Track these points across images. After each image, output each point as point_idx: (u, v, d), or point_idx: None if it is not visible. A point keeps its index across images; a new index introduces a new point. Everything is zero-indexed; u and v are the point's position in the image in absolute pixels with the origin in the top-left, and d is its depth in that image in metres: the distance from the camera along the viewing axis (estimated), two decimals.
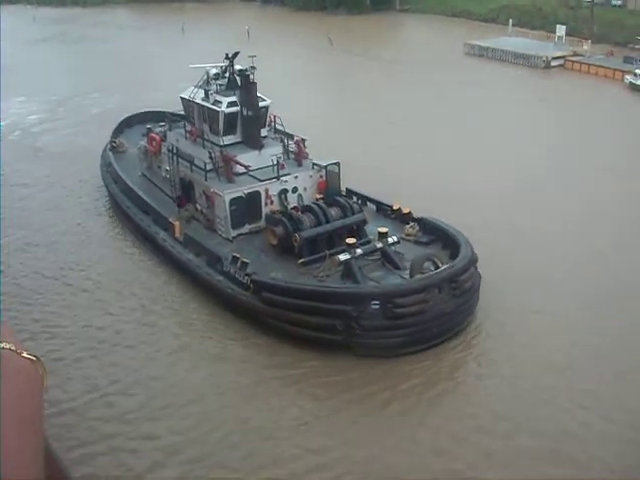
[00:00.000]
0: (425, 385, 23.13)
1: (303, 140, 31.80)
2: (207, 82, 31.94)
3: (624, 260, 31.06)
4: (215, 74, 31.46)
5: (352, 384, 23.04)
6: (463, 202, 35.22)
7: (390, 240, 26.73)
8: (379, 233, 26.83)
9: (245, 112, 30.59)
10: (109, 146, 38.99)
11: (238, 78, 31.37)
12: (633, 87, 63.42)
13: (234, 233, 29.44)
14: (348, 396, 22.53)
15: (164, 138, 34.18)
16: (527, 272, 29.43)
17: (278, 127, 32.78)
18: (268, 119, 32.31)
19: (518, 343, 24.99)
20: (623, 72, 66.65)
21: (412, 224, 29.16)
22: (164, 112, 41.31)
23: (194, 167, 31.11)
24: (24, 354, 2.52)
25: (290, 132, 32.41)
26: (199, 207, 31.03)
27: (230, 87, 31.45)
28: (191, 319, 27.05)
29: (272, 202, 30.06)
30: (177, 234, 29.99)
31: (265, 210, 29.93)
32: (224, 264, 27.03)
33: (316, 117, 48.83)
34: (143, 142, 35.98)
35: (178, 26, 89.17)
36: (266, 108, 31.50)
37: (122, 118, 42.30)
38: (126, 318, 27.13)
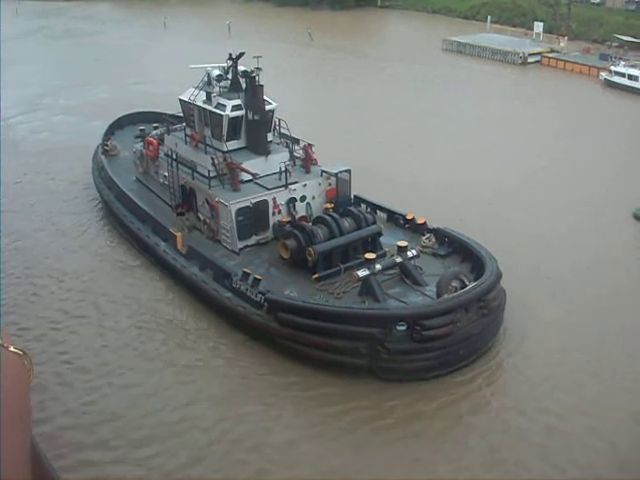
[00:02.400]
0: (457, 410, 21.17)
1: (310, 145, 29.49)
2: (208, 83, 29.45)
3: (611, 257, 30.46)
4: (218, 75, 28.88)
5: (380, 411, 21.03)
6: (444, 197, 34.64)
7: (409, 254, 24.65)
8: (398, 247, 24.69)
9: (251, 116, 28.18)
10: (101, 149, 36.07)
11: (242, 80, 28.98)
12: (608, 83, 62.82)
13: (240, 245, 27.11)
14: (379, 424, 20.46)
15: (161, 142, 31.53)
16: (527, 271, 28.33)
17: (283, 131, 30.35)
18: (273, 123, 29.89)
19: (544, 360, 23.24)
20: (599, 69, 66.13)
21: (428, 235, 27.14)
22: (156, 112, 38.98)
23: (196, 174, 28.64)
24: (11, 348, 2.57)
25: (296, 137, 30.09)
26: (201, 216, 28.58)
27: (234, 89, 28.98)
28: (200, 339, 24.62)
29: (280, 212, 27.81)
30: (179, 246, 27.52)
31: (272, 220, 27.68)
32: (233, 280, 24.67)
33: (295, 114, 46.53)
34: (139, 145, 33.22)
35: (160, 20, 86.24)
36: (272, 112, 29.08)
37: (113, 119, 39.41)
38: (126, 338, 24.66)
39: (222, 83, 29.05)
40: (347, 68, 67.82)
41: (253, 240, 27.43)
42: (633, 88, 60.07)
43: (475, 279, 23.50)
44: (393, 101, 55.42)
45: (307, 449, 19.52)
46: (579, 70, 68.91)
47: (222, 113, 27.99)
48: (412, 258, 24.69)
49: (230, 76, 29.13)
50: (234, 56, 28.86)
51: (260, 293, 23.54)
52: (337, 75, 65.65)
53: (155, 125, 35.15)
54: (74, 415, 20.54)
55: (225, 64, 29.29)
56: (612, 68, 63.16)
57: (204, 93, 29.03)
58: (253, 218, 27.18)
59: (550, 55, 73.40)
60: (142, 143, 32.69)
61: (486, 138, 46.52)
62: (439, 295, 22.49)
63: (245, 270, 24.66)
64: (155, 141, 31.33)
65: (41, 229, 33.13)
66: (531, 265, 28.93)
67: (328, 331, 22.03)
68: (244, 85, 28.89)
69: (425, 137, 46.47)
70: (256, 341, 23.89)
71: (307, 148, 29.19)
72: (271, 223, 27.68)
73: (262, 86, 28.18)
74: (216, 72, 28.95)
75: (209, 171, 27.66)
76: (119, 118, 39.71)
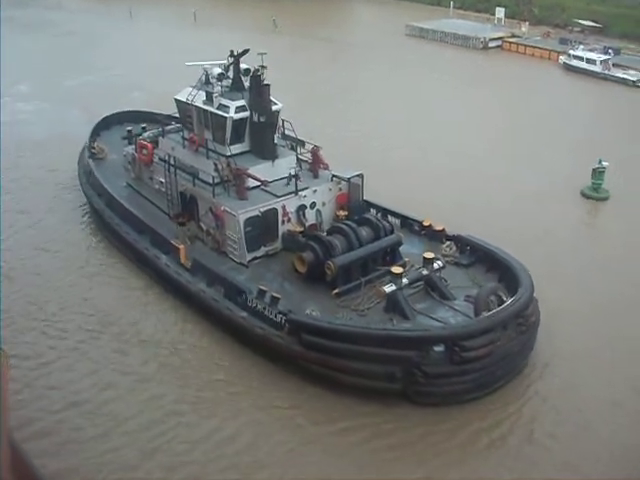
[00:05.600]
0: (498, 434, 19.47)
1: (318, 148, 27.08)
2: (206, 82, 26.72)
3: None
4: (219, 74, 26.16)
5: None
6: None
7: (435, 265, 22.65)
8: (424, 259, 22.63)
9: (256, 118, 25.63)
10: (87, 152, 32.83)
11: (244, 78, 26.39)
12: (567, 67, 62.79)
13: (249, 257, 24.69)
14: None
15: (155, 145, 28.64)
16: None
17: (288, 133, 27.79)
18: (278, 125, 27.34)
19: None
20: (558, 53, 66.19)
21: (448, 243, 25.19)
22: (142, 111, 36.22)
23: (197, 180, 26.02)
24: None
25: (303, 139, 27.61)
26: (204, 226, 25.99)
27: (236, 89, 26.35)
28: (215, 364, 22.17)
29: (289, 220, 25.47)
30: (183, 259, 24.92)
31: (282, 230, 25.32)
32: (248, 298, 22.26)
33: None
34: (129, 149, 30.21)
35: (126, 9, 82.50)
36: (278, 113, 26.56)
37: (98, 120, 36.05)
38: (130, 368, 22.04)
39: (223, 82, 26.35)
40: (311, 54, 66.22)
41: (262, 251, 25.08)
42: (591, 71, 60.39)
43: (507, 290, 21.74)
44: (355, 85, 54.95)
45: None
46: (539, 54, 69.11)
47: (225, 115, 25.38)
48: (438, 270, 22.72)
49: (231, 75, 26.47)
50: (236, 53, 26.20)
51: (280, 313, 21.24)
52: (301, 61, 63.79)
53: (143, 125, 32.28)
54: None
55: (225, 61, 26.60)
56: (571, 52, 63.28)
57: (203, 93, 26.31)
58: (262, 228, 24.81)
59: (511, 40, 73.40)
60: (133, 146, 29.68)
61: (440, 121, 46.37)
62: (477, 313, 20.56)
63: (261, 287, 22.27)
64: (149, 145, 28.39)
65: (23, 241, 29.78)
66: None
67: (360, 355, 19.89)
68: (246, 84, 26.34)
69: (381, 119, 46.25)
70: (275, 363, 21.70)
71: (315, 151, 26.82)
72: (280, 233, 25.34)
73: (268, 85, 25.64)
74: (217, 70, 26.21)
75: (213, 177, 25.11)
76: (104, 118, 36.41)
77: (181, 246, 25.02)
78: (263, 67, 25.60)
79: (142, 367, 21.95)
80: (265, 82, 25.65)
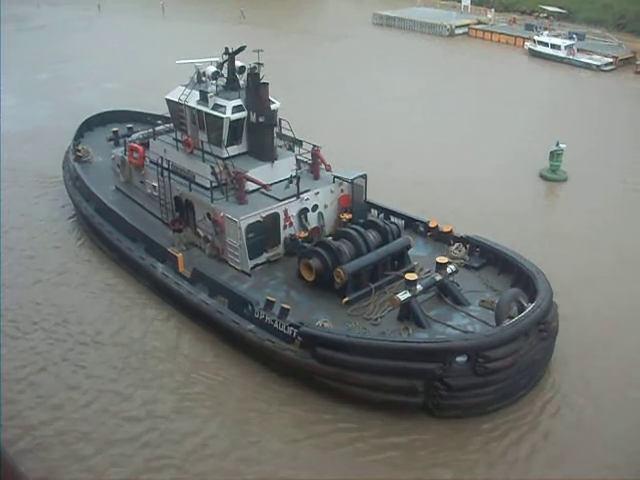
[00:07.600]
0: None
1: (318, 148, 25.50)
2: (198, 81, 24.89)
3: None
4: (214, 72, 24.36)
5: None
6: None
7: (448, 270, 21.38)
8: (437, 263, 21.35)
9: (254, 118, 23.92)
10: (72, 156, 30.61)
11: (239, 77, 24.67)
12: (532, 53, 62.73)
13: (251, 264, 23.10)
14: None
15: (146, 147, 26.69)
16: None
17: (285, 132, 26.14)
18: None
19: None
20: (524, 39, 66.17)
21: (457, 245, 23.92)
22: (126, 111, 34.22)
23: (194, 185, 24.26)
24: None
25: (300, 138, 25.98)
26: (201, 233, 24.29)
27: (231, 88, 24.60)
28: (230, 383, 20.59)
29: (291, 224, 23.92)
30: (181, 268, 23.22)
31: (284, 234, 23.78)
32: (255, 310, 20.71)
33: None
34: (118, 151, 28.14)
35: (94, 3, 79.77)
36: (276, 112, 24.89)
37: (82, 121, 33.70)
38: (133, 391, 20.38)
39: (217, 81, 24.56)
40: (276, 44, 63.43)
41: (264, 258, 23.52)
42: (555, 57, 60.61)
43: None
44: (317, 75, 54.17)
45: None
46: (505, 41, 69.08)
47: (222, 116, 23.61)
48: (451, 274, 21.46)
49: (226, 73, 24.70)
50: (231, 50, 24.42)
51: (292, 326, 19.74)
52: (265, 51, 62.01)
53: (129, 126, 30.26)
54: None
55: (218, 59, 24.81)
56: (536, 38, 63.18)
57: (197, 92, 24.48)
58: (264, 233, 23.22)
59: (477, 27, 73.22)
60: (122, 148, 27.65)
61: (407, 108, 45.83)
62: (499, 321, 19.33)
63: (269, 298, 20.71)
64: (140, 147, 26.39)
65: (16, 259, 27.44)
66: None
67: (379, 368, 18.55)
68: (241, 82, 24.63)
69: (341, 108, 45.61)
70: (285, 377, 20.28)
71: (316, 152, 25.25)
72: (282, 237, 23.79)
73: (267, 84, 23.93)
74: (211, 69, 24.40)
75: (211, 182, 23.39)
76: (87, 119, 34.08)
77: (179, 254, 23.30)
78: (259, 64, 23.87)
79: (140, 382, 20.53)
80: (263, 81, 23.92)
